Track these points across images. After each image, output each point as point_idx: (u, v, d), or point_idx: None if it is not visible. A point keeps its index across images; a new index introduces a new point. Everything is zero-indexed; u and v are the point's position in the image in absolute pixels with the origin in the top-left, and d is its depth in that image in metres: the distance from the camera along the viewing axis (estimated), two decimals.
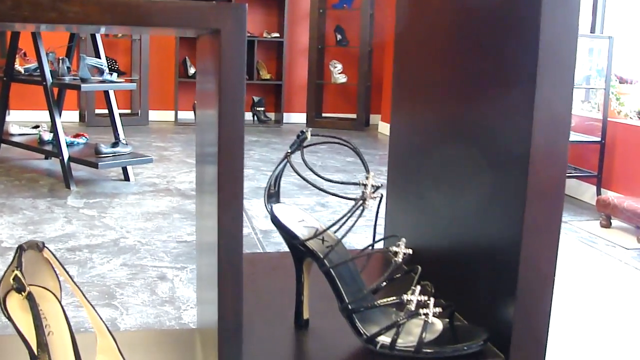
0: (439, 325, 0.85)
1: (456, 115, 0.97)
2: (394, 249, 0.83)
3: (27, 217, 3.64)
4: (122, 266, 2.93)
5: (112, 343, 0.90)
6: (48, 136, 4.88)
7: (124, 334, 1.19)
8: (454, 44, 0.97)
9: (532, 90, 0.78)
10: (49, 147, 4.79)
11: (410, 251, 0.83)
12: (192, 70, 7.92)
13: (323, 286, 0.93)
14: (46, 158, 5.25)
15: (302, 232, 0.85)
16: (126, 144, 4.58)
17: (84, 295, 0.90)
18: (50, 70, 4.54)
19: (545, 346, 0.85)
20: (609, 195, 4.16)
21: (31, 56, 5.19)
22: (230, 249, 0.73)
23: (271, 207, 0.87)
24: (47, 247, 0.92)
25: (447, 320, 0.86)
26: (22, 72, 5.03)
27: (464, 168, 0.94)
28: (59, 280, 0.94)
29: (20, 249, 0.89)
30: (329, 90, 8.43)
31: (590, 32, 5.16)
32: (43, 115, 6.70)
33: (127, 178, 4.64)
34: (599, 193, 4.55)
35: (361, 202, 0.81)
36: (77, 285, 0.91)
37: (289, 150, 0.86)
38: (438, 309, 0.82)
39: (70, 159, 4.43)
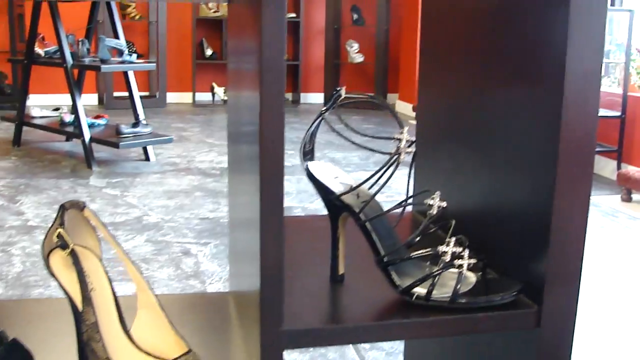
0: (472, 278, 0.87)
1: (486, 77, 0.98)
2: (429, 201, 0.84)
3: (51, 197, 3.68)
4: (147, 242, 2.97)
5: (152, 298, 0.92)
6: (69, 118, 4.92)
7: (159, 297, 1.22)
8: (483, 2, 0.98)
9: (563, 47, 0.79)
10: (70, 129, 4.83)
11: (445, 204, 0.84)
12: (209, 52, 7.94)
13: (356, 245, 0.95)
14: (67, 140, 5.29)
15: (337, 188, 0.87)
16: (146, 124, 4.62)
17: (123, 251, 0.93)
18: (70, 52, 4.57)
19: (577, 297, 0.87)
20: (630, 169, 4.15)
21: (49, 40, 5.22)
22: (272, 223, 0.75)
23: (307, 164, 0.89)
24: (87, 207, 0.94)
25: (480, 273, 0.88)
26: (43, 54, 5.07)
27: (494, 126, 0.95)
28: (98, 240, 0.97)
29: (62, 208, 0.91)
30: (346, 70, 8.42)
31: (611, 5, 5.13)
32: (62, 99, 6.75)
33: (147, 158, 4.68)
34: (619, 167, 4.54)
35: (396, 156, 0.82)
36: (117, 242, 0.93)
37: (324, 108, 0.87)
38: (473, 260, 0.84)
39: (92, 139, 4.47)
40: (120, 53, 4.62)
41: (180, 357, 0.84)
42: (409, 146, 0.83)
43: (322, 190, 0.87)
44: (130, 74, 4.74)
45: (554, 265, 0.84)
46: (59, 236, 0.89)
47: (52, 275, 0.91)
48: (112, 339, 0.89)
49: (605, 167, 4.71)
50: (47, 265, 0.91)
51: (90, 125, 4.75)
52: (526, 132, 0.87)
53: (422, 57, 1.20)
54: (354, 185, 0.87)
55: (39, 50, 5.05)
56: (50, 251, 0.91)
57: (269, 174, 0.74)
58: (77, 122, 4.50)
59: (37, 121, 5.12)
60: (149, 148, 4.68)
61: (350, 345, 2.05)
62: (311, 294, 0.88)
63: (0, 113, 6.05)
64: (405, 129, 0.83)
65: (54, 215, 3.43)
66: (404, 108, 7.80)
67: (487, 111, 0.97)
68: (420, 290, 0.83)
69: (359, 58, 8.13)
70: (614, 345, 2.15)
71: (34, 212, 3.39)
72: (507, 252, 0.92)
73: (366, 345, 2.06)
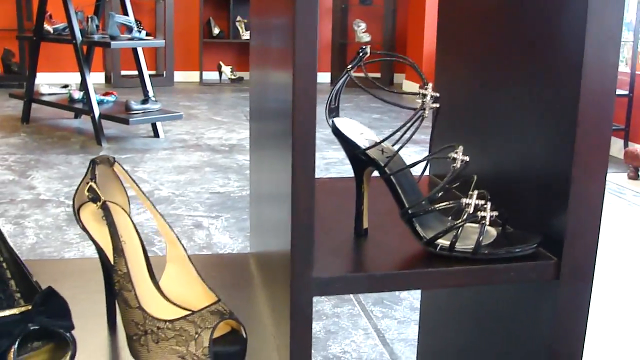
0: (492, 232, 0.89)
1: (506, 46, 0.99)
2: (452, 155, 0.87)
3: (61, 172, 3.71)
4: None
5: (182, 252, 0.94)
6: (78, 95, 4.94)
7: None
8: None
9: (584, 9, 0.81)
10: (79, 105, 4.85)
11: (468, 158, 0.86)
12: (216, 31, 7.93)
13: (377, 206, 0.98)
14: (76, 117, 5.31)
15: (363, 143, 0.89)
16: (155, 101, 4.63)
17: (153, 206, 0.95)
18: (80, 29, 4.58)
19: (596, 250, 0.89)
20: (637, 147, 4.17)
21: (57, 18, 5.23)
22: (304, 196, 0.78)
23: (332, 120, 0.91)
24: (117, 162, 0.96)
25: (500, 228, 0.90)
26: (51, 32, 5.08)
27: (514, 90, 0.97)
28: (127, 195, 0.99)
29: (93, 163, 0.93)
30: (353, 49, 8.40)
31: None
32: (69, 78, 6.76)
33: (156, 135, 4.70)
34: (626, 145, 4.56)
35: (420, 111, 0.84)
36: (147, 197, 0.95)
37: (349, 66, 0.90)
38: (495, 213, 0.86)
39: (101, 115, 4.49)
40: (129, 30, 4.63)
41: (210, 305, 0.86)
42: (433, 102, 0.85)
43: (348, 144, 0.90)
44: (140, 51, 4.76)
45: (573, 218, 0.86)
46: (90, 190, 0.91)
47: (83, 229, 0.94)
48: (143, 290, 0.91)
49: (613, 145, 4.72)
50: (78, 220, 0.94)
51: (99, 102, 4.76)
52: (547, 88, 0.88)
53: (440, 27, 1.22)
54: (379, 141, 0.89)
55: (47, 27, 5.06)
56: (81, 205, 0.94)
57: (302, 141, 0.77)
58: (86, 98, 4.52)
59: (45, 98, 5.14)
60: (158, 125, 4.70)
61: (363, 314, 2.08)
62: (337, 247, 0.90)
63: (7, 90, 6.08)
64: (430, 84, 0.85)
65: (66, 190, 3.44)
66: (411, 87, 7.80)
67: (507, 79, 0.99)
68: (444, 242, 0.85)
69: (366, 38, 8.12)
70: (619, 321, 2.18)
71: (45, 186, 3.42)
72: (527, 207, 0.94)
73: (378, 314, 2.09)
